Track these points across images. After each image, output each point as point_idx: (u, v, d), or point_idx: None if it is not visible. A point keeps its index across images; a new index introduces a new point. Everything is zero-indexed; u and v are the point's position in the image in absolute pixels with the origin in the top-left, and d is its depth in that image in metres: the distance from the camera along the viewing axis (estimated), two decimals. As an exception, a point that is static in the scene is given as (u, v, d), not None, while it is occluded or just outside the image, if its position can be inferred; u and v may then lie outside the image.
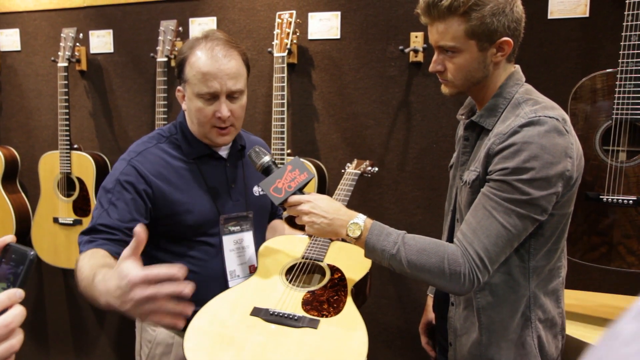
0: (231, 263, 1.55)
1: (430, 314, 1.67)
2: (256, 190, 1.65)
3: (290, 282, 1.49)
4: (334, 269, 1.53)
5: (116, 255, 1.31)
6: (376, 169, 2.00)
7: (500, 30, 1.22)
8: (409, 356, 2.46)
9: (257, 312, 1.36)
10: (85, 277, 1.18)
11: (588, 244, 1.72)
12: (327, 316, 1.36)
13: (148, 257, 1.51)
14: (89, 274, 1.15)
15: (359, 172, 1.91)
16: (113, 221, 1.39)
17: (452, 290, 1.27)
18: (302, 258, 1.58)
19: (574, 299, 1.95)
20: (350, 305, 1.41)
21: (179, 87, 1.52)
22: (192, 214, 1.48)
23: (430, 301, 1.69)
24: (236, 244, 1.57)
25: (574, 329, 1.67)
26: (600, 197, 1.69)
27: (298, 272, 1.54)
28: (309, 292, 1.44)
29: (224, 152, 1.58)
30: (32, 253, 0.74)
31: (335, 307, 1.39)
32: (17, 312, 0.72)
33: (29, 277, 0.75)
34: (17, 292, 0.73)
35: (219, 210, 1.54)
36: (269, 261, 1.58)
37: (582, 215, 1.71)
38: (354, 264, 1.56)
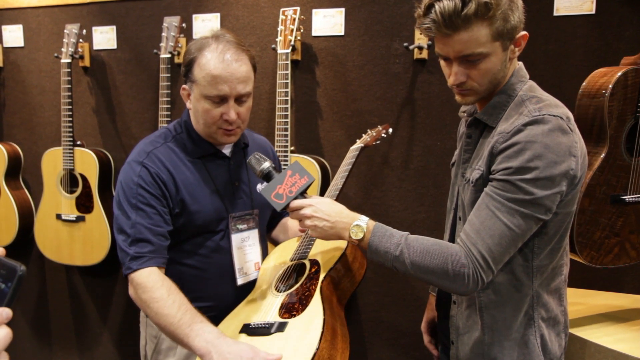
0: (239, 261, 1.57)
1: (432, 313, 1.66)
2: (259, 188, 1.65)
3: (277, 289, 1.50)
4: (313, 263, 1.53)
5: (164, 265, 1.45)
6: (390, 130, 1.94)
7: (518, 25, 1.20)
8: (412, 355, 2.46)
9: (244, 329, 1.39)
10: (168, 314, 1.33)
11: (607, 247, 1.67)
12: (295, 315, 1.35)
13: None
14: (175, 313, 1.32)
15: (362, 145, 1.85)
16: (149, 227, 1.43)
17: (456, 291, 1.26)
18: (290, 260, 1.58)
19: (577, 297, 1.94)
20: (316, 298, 1.38)
21: (184, 86, 1.51)
22: (201, 213, 1.50)
23: (432, 299, 1.68)
24: (243, 242, 1.58)
25: (576, 328, 1.66)
26: (622, 197, 1.63)
27: (286, 276, 1.54)
28: (287, 294, 1.45)
29: (227, 151, 1.59)
30: (21, 268, 0.67)
31: (304, 304, 1.38)
32: (3, 335, 0.65)
33: (18, 294, 0.67)
34: (4, 312, 0.65)
35: (227, 209, 1.55)
36: (264, 277, 1.59)
37: (606, 219, 1.65)
38: (329, 251, 1.55)
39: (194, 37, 2.55)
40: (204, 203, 1.50)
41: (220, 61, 1.41)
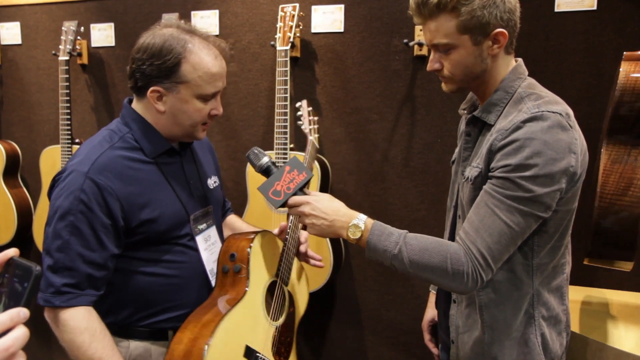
0: (209, 262, 1.49)
1: (432, 311, 1.66)
2: (210, 183, 1.59)
3: (268, 313, 1.46)
4: (290, 300, 1.51)
5: (92, 304, 1.31)
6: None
7: (493, 22, 1.20)
8: (412, 353, 2.45)
9: (249, 354, 1.34)
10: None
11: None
12: None
13: (122, 271, 1.39)
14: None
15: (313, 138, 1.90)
16: (82, 252, 1.28)
17: (456, 289, 1.26)
18: (276, 276, 1.53)
19: (578, 295, 1.93)
20: (294, 351, 1.42)
21: (156, 88, 1.35)
22: (162, 219, 1.39)
23: (432, 298, 1.68)
24: (207, 242, 1.51)
25: (578, 325, 1.65)
26: None
27: (273, 296, 1.51)
28: (275, 329, 1.44)
29: (177, 146, 1.50)
30: (37, 269, 0.68)
31: (287, 352, 1.40)
32: (19, 335, 0.65)
33: (35, 295, 0.68)
34: (21, 312, 0.66)
35: (187, 210, 1.45)
36: (256, 278, 1.48)
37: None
38: (302, 293, 1.55)
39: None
40: (163, 208, 1.39)
41: (213, 58, 1.37)
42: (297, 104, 2.19)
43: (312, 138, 1.98)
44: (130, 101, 1.46)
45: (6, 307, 0.67)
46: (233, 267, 1.43)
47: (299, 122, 2.16)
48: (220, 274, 1.44)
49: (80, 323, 1.27)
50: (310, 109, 2.18)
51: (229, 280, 1.43)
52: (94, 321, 1.30)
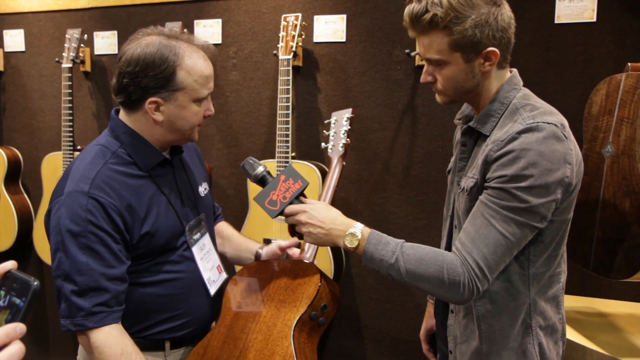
0: (205, 271, 1.49)
1: (431, 321, 1.66)
2: (201, 190, 1.58)
3: None
4: None
5: (120, 319, 1.31)
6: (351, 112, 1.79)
7: (485, 41, 1.20)
8: (412, 362, 2.45)
9: None
10: None
11: None
12: None
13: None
14: None
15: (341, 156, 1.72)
16: (103, 271, 1.27)
17: (452, 300, 1.26)
18: None
19: (577, 304, 1.93)
20: None
21: (154, 99, 1.33)
22: (161, 232, 1.38)
23: (430, 308, 1.67)
24: (202, 251, 1.50)
25: (577, 335, 1.65)
26: None
27: None
28: None
29: (168, 154, 1.48)
30: (35, 283, 0.67)
31: None
32: (14, 351, 0.64)
33: (32, 309, 0.67)
34: (18, 327, 0.65)
35: (181, 222, 1.44)
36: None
37: None
38: None
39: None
40: (161, 221, 1.38)
41: (203, 60, 1.36)
42: (346, 115, 1.79)
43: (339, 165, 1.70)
44: (118, 111, 1.43)
45: (6, 322, 0.66)
46: (319, 320, 1.45)
47: (329, 133, 1.81)
48: (308, 317, 1.43)
49: (116, 348, 1.27)
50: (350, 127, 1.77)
51: (308, 327, 1.44)
52: (128, 345, 1.30)
